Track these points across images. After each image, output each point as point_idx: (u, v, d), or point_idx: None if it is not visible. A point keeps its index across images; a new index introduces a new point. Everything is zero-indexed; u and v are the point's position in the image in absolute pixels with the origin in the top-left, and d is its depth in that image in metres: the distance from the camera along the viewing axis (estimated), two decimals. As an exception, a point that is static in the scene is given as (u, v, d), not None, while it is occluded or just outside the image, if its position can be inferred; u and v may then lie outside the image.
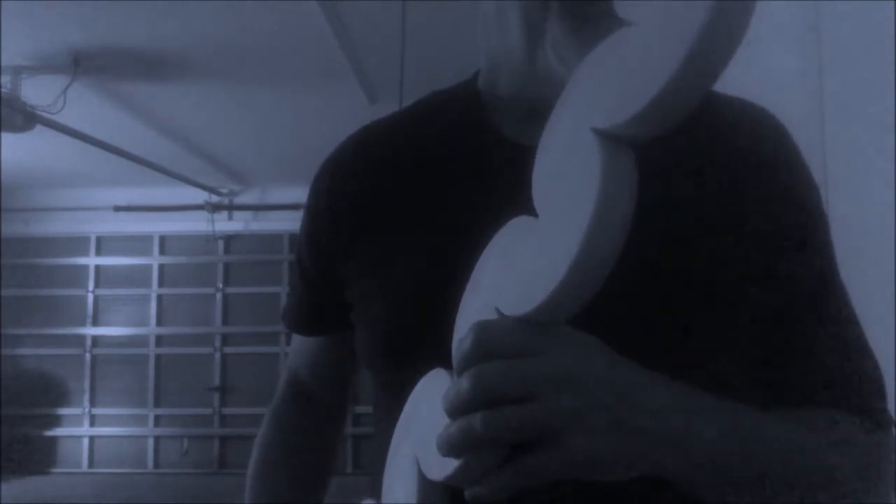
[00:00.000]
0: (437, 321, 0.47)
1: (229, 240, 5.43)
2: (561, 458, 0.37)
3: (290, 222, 5.03)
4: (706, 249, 0.50)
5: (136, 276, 5.37)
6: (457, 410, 0.38)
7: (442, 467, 0.40)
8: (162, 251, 5.40)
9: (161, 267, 5.39)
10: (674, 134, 0.35)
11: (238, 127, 3.82)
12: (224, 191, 5.33)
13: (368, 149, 0.63)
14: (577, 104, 0.40)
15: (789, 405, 0.48)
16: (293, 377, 0.79)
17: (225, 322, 5.34)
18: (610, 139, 0.36)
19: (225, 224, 5.41)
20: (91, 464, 5.22)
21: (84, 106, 3.14)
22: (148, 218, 5.32)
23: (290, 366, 0.79)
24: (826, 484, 0.44)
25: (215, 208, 5.33)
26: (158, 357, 5.31)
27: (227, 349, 5.31)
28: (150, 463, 5.21)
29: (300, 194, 1.05)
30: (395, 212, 0.58)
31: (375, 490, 0.54)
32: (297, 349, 0.77)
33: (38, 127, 3.00)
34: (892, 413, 0.52)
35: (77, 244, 5.37)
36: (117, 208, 5.30)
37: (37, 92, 2.86)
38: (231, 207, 5.44)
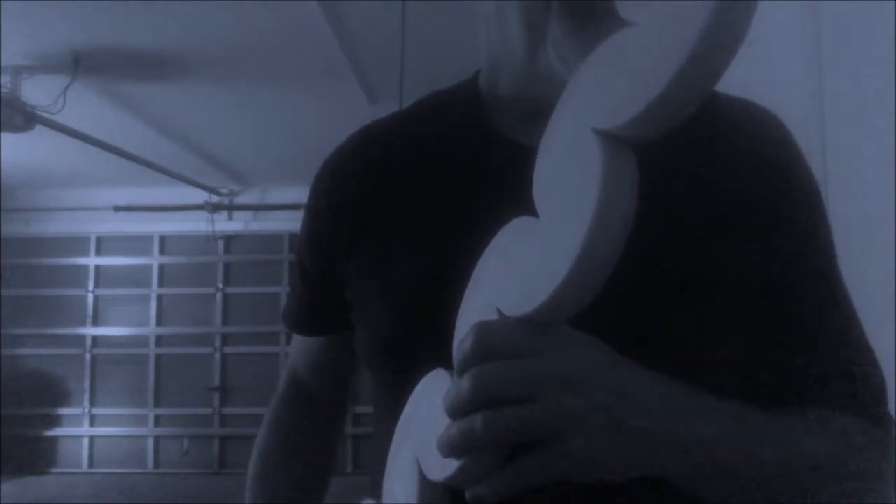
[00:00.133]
0: (438, 321, 0.47)
1: (229, 240, 5.43)
2: (561, 459, 0.37)
3: (290, 222, 5.03)
4: (707, 250, 0.50)
5: (136, 276, 5.37)
6: (457, 411, 0.38)
7: (442, 468, 0.40)
8: (162, 251, 5.40)
9: (161, 267, 5.39)
10: (675, 134, 0.35)
11: (238, 127, 3.82)
12: (224, 191, 5.33)
13: (368, 149, 0.63)
14: (579, 104, 0.39)
15: (789, 405, 0.48)
16: (293, 377, 0.79)
17: (225, 322, 5.33)
18: (611, 140, 0.36)
19: (225, 224, 5.41)
20: (91, 464, 5.22)
21: (84, 106, 3.14)
22: (148, 218, 5.32)
23: (290, 366, 0.79)
24: (826, 483, 0.44)
25: (215, 208, 5.33)
26: (158, 357, 5.31)
27: (227, 349, 5.31)
28: (150, 463, 5.21)
29: (300, 194, 1.05)
30: (395, 212, 0.58)
31: (375, 490, 0.54)
32: (297, 349, 0.77)
33: (38, 127, 3.00)
34: (893, 413, 0.52)
35: (77, 244, 5.36)
36: (117, 208, 5.30)
37: (37, 92, 2.86)
38: (231, 207, 5.44)
